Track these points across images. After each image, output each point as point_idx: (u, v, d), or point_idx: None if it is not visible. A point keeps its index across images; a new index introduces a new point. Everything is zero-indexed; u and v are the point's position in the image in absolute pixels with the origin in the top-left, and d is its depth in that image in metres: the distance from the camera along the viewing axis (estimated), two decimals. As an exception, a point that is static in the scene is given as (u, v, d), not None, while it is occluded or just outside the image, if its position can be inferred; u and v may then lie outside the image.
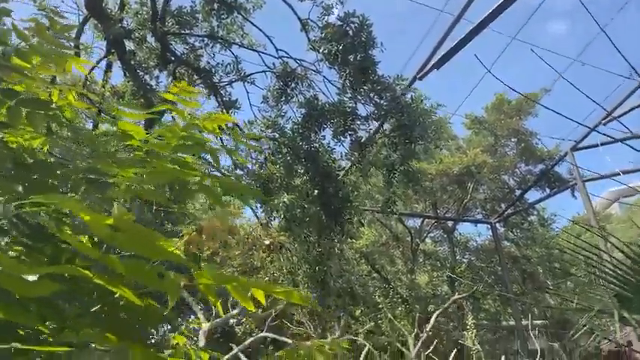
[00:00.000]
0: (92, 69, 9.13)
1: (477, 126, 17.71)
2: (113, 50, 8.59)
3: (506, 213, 17.57)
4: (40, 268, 0.93)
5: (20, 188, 1.55)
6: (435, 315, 9.51)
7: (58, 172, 1.65)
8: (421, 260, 21.15)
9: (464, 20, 11.05)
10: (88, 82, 9.27)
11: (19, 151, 1.99)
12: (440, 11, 11.61)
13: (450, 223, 20.60)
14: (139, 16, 8.01)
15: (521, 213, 18.04)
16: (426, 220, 20.55)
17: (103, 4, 7.96)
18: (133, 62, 8.61)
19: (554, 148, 17.21)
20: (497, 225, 17.88)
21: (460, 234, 21.20)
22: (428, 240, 21.59)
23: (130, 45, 8.72)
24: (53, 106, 2.45)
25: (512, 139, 17.83)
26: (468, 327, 12.16)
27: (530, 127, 17.60)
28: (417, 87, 12.05)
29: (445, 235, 20.64)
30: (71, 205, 0.94)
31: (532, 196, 18.02)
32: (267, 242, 7.56)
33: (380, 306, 15.30)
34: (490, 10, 10.14)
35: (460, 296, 13.05)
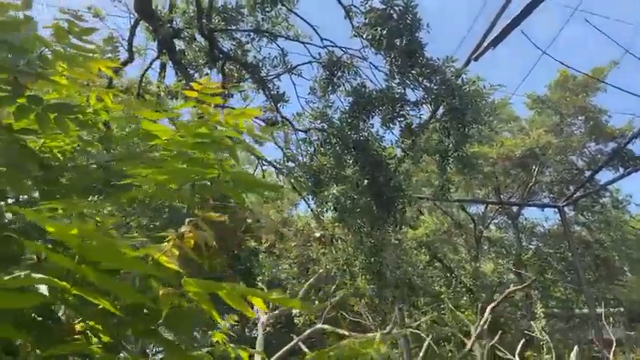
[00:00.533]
0: (146, 70, 9.43)
1: (539, 105, 16.77)
2: (164, 50, 8.82)
3: (575, 196, 16.56)
4: (19, 281, 0.89)
5: (37, 194, 1.56)
6: (490, 306, 9.10)
7: (72, 174, 1.65)
8: (485, 248, 20.46)
9: (520, -6, 10.43)
10: (143, 84, 9.58)
11: (46, 154, 2.02)
12: (494, -14, 11.03)
13: (514, 209, 19.74)
14: (186, 15, 8.14)
15: (592, 195, 16.92)
16: (490, 205, 19.82)
17: (152, 6, 8.16)
18: (183, 61, 8.80)
19: (627, 125, 16.00)
20: (566, 209, 16.90)
21: (526, 219, 20.29)
22: (492, 227, 20.83)
23: (180, 44, 8.91)
24: (90, 110, 2.48)
25: (580, 118, 16.74)
26: (537, 316, 11.60)
27: (598, 103, 16.44)
28: (471, 68, 11.54)
29: (510, 221, 19.79)
30: (34, 215, 0.89)
31: (604, 176, 16.92)
32: (317, 235, 7.52)
33: (442, 296, 14.94)
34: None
35: (519, 287, 12.43)
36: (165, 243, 1.08)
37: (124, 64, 9.04)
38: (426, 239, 17.56)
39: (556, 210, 17.44)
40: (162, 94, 9.85)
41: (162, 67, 10.06)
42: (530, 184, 18.12)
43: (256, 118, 9.69)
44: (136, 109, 1.89)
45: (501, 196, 19.22)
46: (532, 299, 16.22)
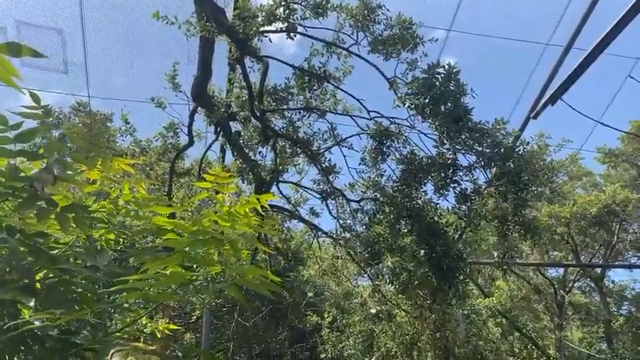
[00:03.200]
0: (205, 152, 9.92)
1: (612, 159, 15.77)
2: (222, 133, 9.29)
3: (666, 254, 15.02)
4: None
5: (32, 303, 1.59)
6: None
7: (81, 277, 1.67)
8: (570, 314, 18.78)
9: (575, 49, 10.18)
10: (203, 165, 10.04)
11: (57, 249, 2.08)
12: (546, 45, 10.88)
13: (598, 270, 18.16)
14: (240, 99, 8.59)
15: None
16: (570, 268, 18.37)
17: (209, 93, 8.71)
18: (239, 141, 9.18)
19: None
20: (658, 269, 15.32)
21: (613, 282, 18.52)
22: (575, 290, 19.17)
23: (236, 126, 9.35)
24: (120, 202, 2.56)
25: (660, 169, 15.53)
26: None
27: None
28: (533, 127, 11.15)
29: (593, 284, 18.16)
30: None
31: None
32: (373, 311, 7.20)
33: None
34: (603, 35, 9.23)
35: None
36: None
37: (185, 147, 9.59)
38: (501, 308, 16.39)
39: (646, 271, 15.86)
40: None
41: (221, 148, 10.57)
42: (613, 243, 16.72)
43: (311, 190, 9.81)
44: (147, 206, 1.93)
45: (581, 258, 17.81)
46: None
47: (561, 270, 19.11)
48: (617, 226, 16.04)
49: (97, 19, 9.41)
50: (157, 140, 9.52)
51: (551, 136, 13.25)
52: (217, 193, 2.24)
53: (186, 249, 1.57)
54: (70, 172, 2.00)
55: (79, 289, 1.74)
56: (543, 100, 10.87)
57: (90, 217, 1.84)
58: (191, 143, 9.46)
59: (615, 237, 16.28)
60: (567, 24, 9.75)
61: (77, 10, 8.86)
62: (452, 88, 5.99)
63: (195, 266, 1.72)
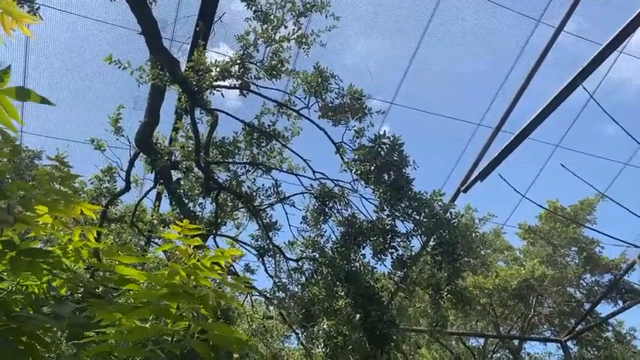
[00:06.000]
0: (141, 199, 9.61)
1: (531, 236, 16.90)
2: (161, 180, 9.08)
3: (577, 329, 15.96)
4: None
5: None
6: None
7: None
8: (489, 385, 19.16)
9: (503, 132, 11.14)
10: (137, 212, 9.69)
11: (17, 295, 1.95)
12: (477, 125, 11.79)
13: (516, 342, 18.89)
14: (185, 148, 8.52)
15: (595, 329, 16.32)
16: (490, 339, 18.99)
17: (153, 140, 8.57)
18: (179, 191, 9.00)
19: (620, 257, 15.97)
20: (569, 343, 16.18)
21: (528, 354, 19.28)
22: (493, 361, 19.72)
23: (176, 174, 9.19)
24: (70, 249, 2.46)
25: (573, 248, 16.77)
26: None
27: (590, 234, 16.59)
28: (462, 199, 11.82)
29: (511, 356, 18.79)
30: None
31: (604, 309, 16.46)
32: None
33: None
34: (529, 121, 10.19)
35: None
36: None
37: (121, 193, 9.25)
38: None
39: (559, 345, 16.69)
40: (155, 222, 9.91)
41: (158, 196, 10.29)
42: (530, 316, 17.56)
43: (248, 246, 9.67)
44: (111, 254, 1.87)
45: (501, 329, 18.50)
46: None
47: (482, 340, 19.70)
48: (534, 300, 16.93)
49: (42, 53, 9.17)
50: (91, 183, 9.13)
51: (478, 210, 14.09)
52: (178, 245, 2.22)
53: (160, 302, 1.53)
54: (30, 214, 1.93)
55: (29, 340, 1.64)
56: (473, 176, 11.66)
57: (49, 263, 1.76)
58: (127, 189, 9.16)
59: (532, 310, 17.12)
60: (500, 103, 10.70)
61: (22, 43, 8.61)
62: (395, 158, 6.31)
63: (160, 320, 1.68)
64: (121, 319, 1.64)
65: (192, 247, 2.03)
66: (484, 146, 11.33)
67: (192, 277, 1.82)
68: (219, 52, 8.95)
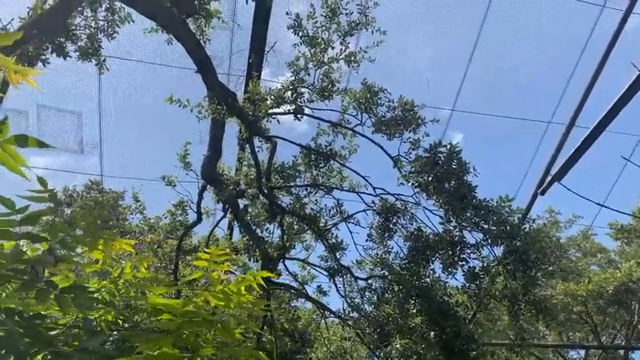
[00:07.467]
0: (213, 229, 9.98)
1: (625, 235, 15.52)
2: (230, 210, 9.40)
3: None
4: None
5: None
6: None
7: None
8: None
9: (577, 127, 10.42)
10: (210, 242, 10.05)
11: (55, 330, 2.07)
12: (548, 122, 11.15)
13: (621, 352, 17.29)
14: (248, 177, 8.77)
15: None
16: (592, 350, 17.55)
17: (218, 171, 8.92)
18: (246, 218, 9.25)
19: None
20: (685, 351, 14.54)
21: (638, 365, 17.55)
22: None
23: (243, 202, 9.47)
24: (120, 281, 2.58)
25: (676, 245, 15.20)
26: None
27: (694, 228, 14.96)
28: (541, 202, 11.14)
29: (618, 368, 17.20)
30: None
31: None
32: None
33: None
34: (605, 112, 9.47)
35: None
36: None
37: (193, 225, 9.68)
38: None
39: (672, 353, 15.06)
40: (228, 250, 10.23)
41: (229, 225, 10.64)
42: (634, 322, 16.03)
43: (318, 267, 9.69)
44: (143, 285, 1.94)
45: (602, 338, 17.03)
46: None
47: (582, 352, 18.24)
48: (637, 305, 15.46)
49: (113, 100, 9.89)
50: (165, 218, 9.63)
51: (561, 212, 13.16)
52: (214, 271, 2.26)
53: (180, 330, 1.57)
54: (71, 253, 2.05)
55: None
56: (550, 177, 10.96)
57: (90, 298, 1.86)
58: (199, 220, 9.55)
59: (636, 316, 15.64)
60: (569, 101, 10.07)
61: (96, 93, 9.34)
62: (454, 166, 6.10)
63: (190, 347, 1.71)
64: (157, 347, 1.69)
65: (222, 272, 2.06)
66: (558, 143, 10.65)
67: (221, 303, 1.84)
68: (275, 81, 9.21)
